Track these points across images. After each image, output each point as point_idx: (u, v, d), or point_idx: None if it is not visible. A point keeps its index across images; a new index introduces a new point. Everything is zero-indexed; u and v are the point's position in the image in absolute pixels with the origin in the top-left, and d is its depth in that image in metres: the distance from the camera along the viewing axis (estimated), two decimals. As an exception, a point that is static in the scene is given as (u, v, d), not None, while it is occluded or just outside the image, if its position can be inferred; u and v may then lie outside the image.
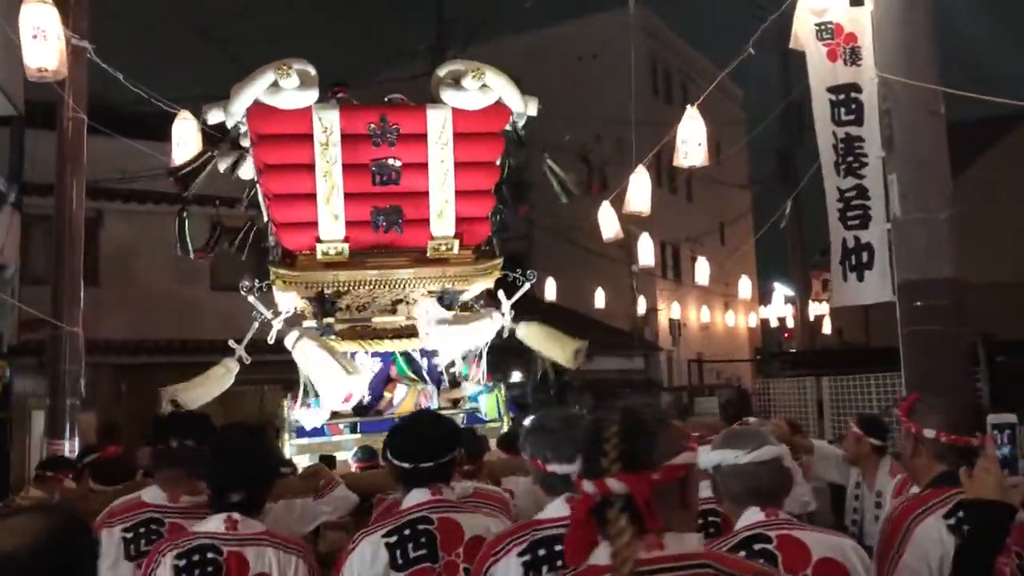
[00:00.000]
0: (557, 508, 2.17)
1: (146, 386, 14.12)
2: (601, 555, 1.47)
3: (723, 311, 27.91)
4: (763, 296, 24.87)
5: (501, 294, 6.13)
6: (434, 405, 5.83)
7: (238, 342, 5.79)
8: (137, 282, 13.92)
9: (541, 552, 2.08)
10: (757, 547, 2.04)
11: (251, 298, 5.69)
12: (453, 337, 5.82)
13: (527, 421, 2.53)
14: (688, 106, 6.20)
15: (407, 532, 2.37)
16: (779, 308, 22.41)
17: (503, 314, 5.99)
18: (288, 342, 5.60)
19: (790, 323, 23.79)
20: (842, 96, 4.80)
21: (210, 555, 2.34)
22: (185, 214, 6.25)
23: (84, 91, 7.74)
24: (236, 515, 2.42)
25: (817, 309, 22.40)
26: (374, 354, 6.01)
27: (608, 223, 8.46)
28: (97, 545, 1.57)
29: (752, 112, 27.92)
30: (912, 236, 4.46)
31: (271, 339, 5.73)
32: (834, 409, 9.16)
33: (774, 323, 25.72)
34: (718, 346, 26.44)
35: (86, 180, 13.12)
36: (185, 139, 6.49)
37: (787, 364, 14.81)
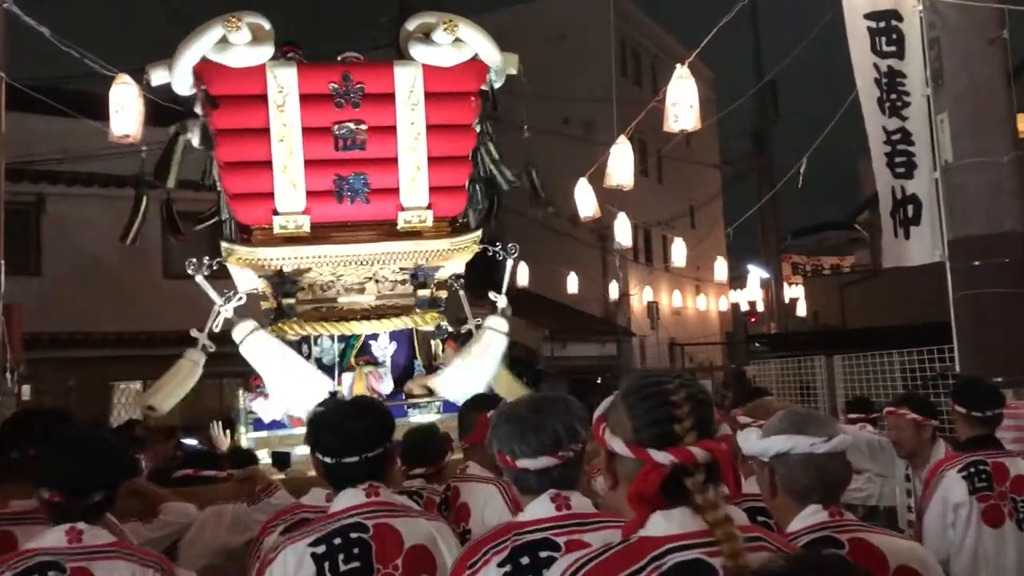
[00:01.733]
0: (541, 508, 1.88)
1: (96, 381, 13.62)
2: (658, 526, 1.36)
3: (694, 295, 27.73)
4: (733, 280, 24.69)
5: (493, 294, 5.65)
6: (387, 388, 5.36)
7: (200, 330, 5.29)
8: (84, 271, 13.25)
9: (524, 560, 1.79)
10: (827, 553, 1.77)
11: (199, 278, 5.14)
12: (473, 376, 5.29)
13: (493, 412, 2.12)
14: (679, 65, 5.79)
15: (337, 541, 2.04)
16: (754, 291, 22.27)
17: (503, 315, 5.52)
18: (238, 334, 5.04)
19: (760, 307, 23.73)
20: (882, 24, 4.28)
21: (51, 573, 2.01)
22: (145, 199, 5.69)
23: (1, 48, 7.03)
24: (81, 525, 2.08)
25: (790, 292, 22.39)
26: (339, 339, 5.51)
27: (585, 201, 8.12)
28: None
29: (723, 93, 27.64)
30: (967, 184, 3.92)
31: (217, 326, 5.19)
32: (848, 390, 8.78)
33: (745, 307, 25.64)
34: (690, 330, 26.26)
35: (29, 162, 12.58)
36: (125, 105, 5.87)
37: (766, 347, 14.56)
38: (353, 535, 2.04)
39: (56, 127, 11.86)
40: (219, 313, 5.21)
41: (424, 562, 2.07)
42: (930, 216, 4.23)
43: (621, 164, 7.28)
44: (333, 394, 5.14)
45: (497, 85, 5.46)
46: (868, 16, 4.36)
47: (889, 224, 4.34)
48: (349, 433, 2.16)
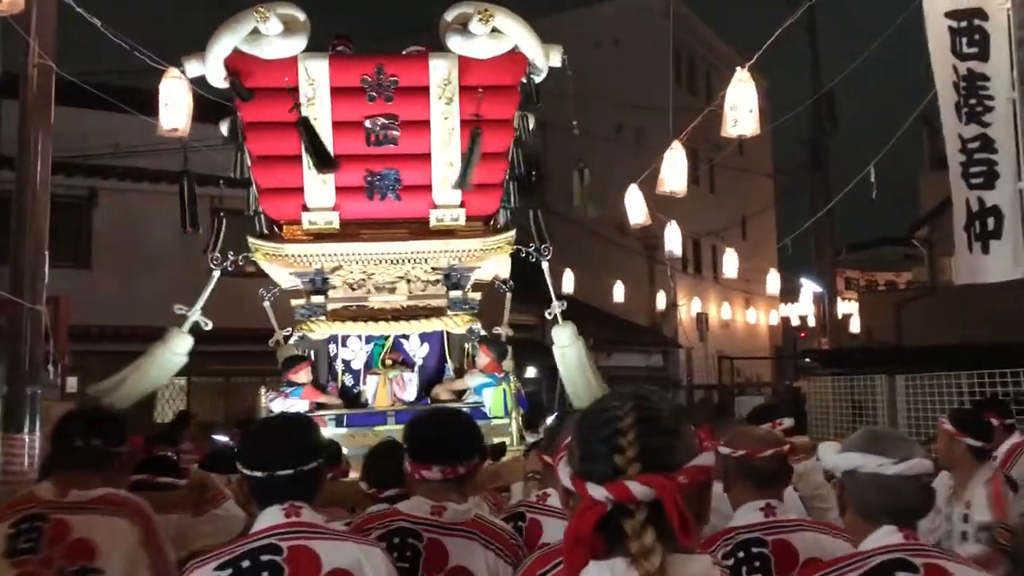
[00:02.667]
0: None
1: (142, 375, 13.75)
2: None
3: (744, 308, 27.11)
4: (783, 293, 24.08)
5: (551, 309, 5.53)
6: (410, 395, 5.17)
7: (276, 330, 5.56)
8: (133, 265, 13.30)
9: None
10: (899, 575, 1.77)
11: (216, 274, 5.02)
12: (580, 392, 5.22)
13: (549, 422, 1.86)
14: (738, 68, 5.54)
15: (246, 564, 1.83)
16: (806, 306, 21.66)
17: (563, 324, 5.42)
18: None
19: (812, 321, 23.11)
20: (964, 24, 3.97)
21: None
22: (187, 184, 5.70)
23: (52, 38, 6.98)
24: None
25: (844, 308, 21.73)
26: (368, 339, 5.32)
27: (636, 208, 7.92)
28: None
29: (777, 102, 27.04)
30: (1057, 194, 3.61)
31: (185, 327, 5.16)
32: (912, 410, 8.37)
33: (796, 321, 24.96)
34: (739, 344, 25.63)
35: (79, 156, 12.69)
36: (174, 100, 5.72)
37: (818, 363, 14.05)
38: (264, 558, 1.83)
39: (108, 122, 11.77)
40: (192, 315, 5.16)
41: None
42: (1013, 229, 3.89)
43: (674, 170, 6.99)
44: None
45: (539, 79, 5.20)
46: (949, 15, 4.05)
47: (963, 239, 4.01)
48: (283, 444, 1.96)
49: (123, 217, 13.54)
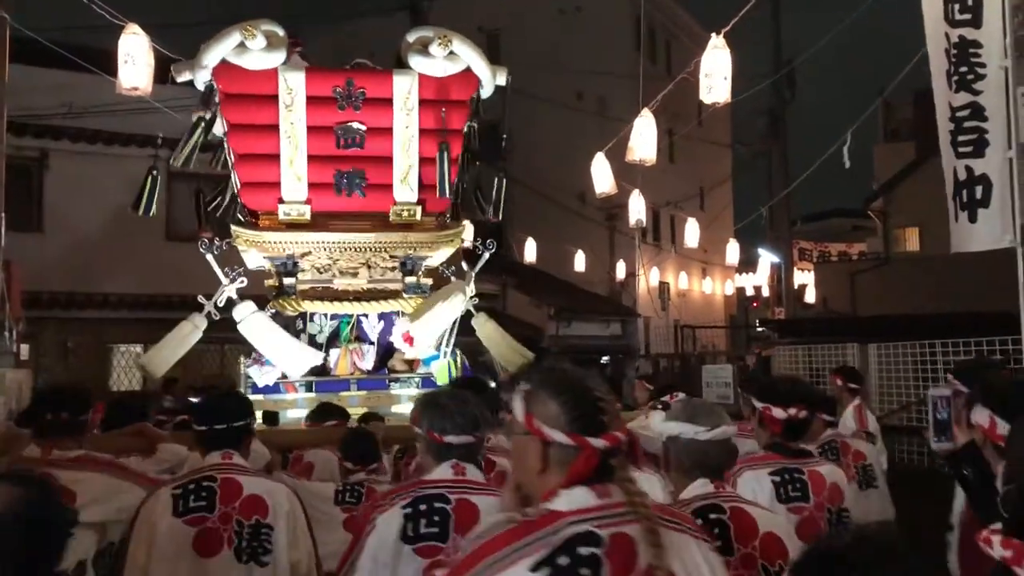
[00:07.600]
0: (443, 471, 2.59)
1: (96, 343, 14.00)
2: (563, 501, 1.66)
3: (700, 277, 28.41)
4: (738, 263, 25.41)
5: (464, 265, 6.58)
6: (368, 365, 6.25)
7: (208, 297, 6.12)
8: (86, 230, 13.46)
9: (422, 507, 2.51)
10: (712, 517, 2.32)
11: (209, 257, 6.06)
12: (427, 323, 6.16)
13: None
14: (712, 35, 6.00)
15: (192, 486, 2.93)
16: (763, 276, 22.95)
17: (468, 286, 6.41)
18: (238, 314, 6.01)
19: (766, 291, 24.42)
20: None
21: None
22: (156, 172, 6.29)
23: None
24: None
25: (799, 278, 23.05)
26: (332, 316, 6.43)
27: (601, 177, 8.23)
28: (67, 515, 1.79)
29: (736, 71, 28.05)
30: (1046, 165, 3.73)
31: (220, 301, 6.12)
32: (884, 377, 9.04)
33: (750, 291, 26.32)
34: (695, 313, 26.92)
35: (33, 115, 12.54)
36: (134, 57, 5.92)
37: (775, 332, 15.20)
38: (205, 483, 2.90)
39: (60, 80, 11.97)
40: (224, 291, 6.13)
41: (258, 507, 2.90)
42: (1001, 198, 4.02)
43: (643, 139, 7.19)
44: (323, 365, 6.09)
45: (486, 95, 6.33)
46: None
47: (952, 208, 4.14)
48: (221, 407, 3.12)
49: (76, 180, 13.60)
